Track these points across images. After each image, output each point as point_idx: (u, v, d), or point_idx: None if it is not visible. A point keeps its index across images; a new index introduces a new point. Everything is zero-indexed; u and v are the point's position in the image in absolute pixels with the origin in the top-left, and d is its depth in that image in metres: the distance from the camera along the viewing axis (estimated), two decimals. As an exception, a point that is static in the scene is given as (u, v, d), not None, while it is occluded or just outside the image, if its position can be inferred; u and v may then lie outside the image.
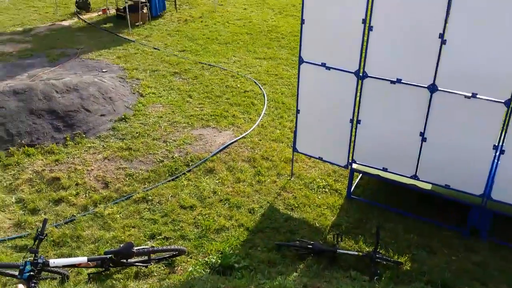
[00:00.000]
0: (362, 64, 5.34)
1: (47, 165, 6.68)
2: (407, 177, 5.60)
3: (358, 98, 5.51)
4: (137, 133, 7.49)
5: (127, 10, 12.20)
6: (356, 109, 5.59)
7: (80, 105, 8.02)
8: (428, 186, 5.61)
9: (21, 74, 9.51)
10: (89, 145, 7.17)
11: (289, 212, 5.87)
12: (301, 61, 5.79)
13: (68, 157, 6.85)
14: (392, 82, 5.21)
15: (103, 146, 7.16)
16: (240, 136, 7.48)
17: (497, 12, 4.44)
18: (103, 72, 9.74)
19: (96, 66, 10.03)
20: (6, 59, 10.29)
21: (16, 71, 9.68)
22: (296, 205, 5.99)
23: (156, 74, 9.74)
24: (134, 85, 9.20)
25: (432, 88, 5.01)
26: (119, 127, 7.65)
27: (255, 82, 9.46)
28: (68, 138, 7.27)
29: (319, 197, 6.16)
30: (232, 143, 7.30)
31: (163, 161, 6.80)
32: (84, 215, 5.70)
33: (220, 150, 7.08)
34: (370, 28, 5.11)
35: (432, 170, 5.40)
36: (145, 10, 12.96)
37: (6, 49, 10.84)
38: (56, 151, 6.99)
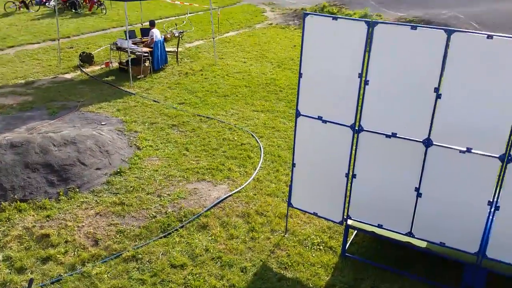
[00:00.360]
0: (358, 117, 5.30)
1: (38, 221, 6.54)
2: (402, 234, 5.42)
3: (354, 152, 5.43)
4: (131, 187, 7.38)
5: (129, 63, 12.42)
6: (352, 163, 5.49)
7: (77, 158, 7.96)
8: (424, 244, 5.42)
9: (20, 127, 9.54)
10: (82, 200, 7.04)
11: (282, 271, 5.64)
12: (298, 114, 5.76)
13: (60, 213, 6.71)
14: (387, 136, 5.15)
15: (96, 201, 7.03)
16: (235, 191, 7.35)
17: (491, 67, 4.43)
18: (102, 125, 9.77)
19: (95, 119, 10.08)
20: (6, 111, 10.37)
21: (15, 123, 9.73)
22: (290, 264, 5.76)
23: (154, 126, 9.75)
24: (131, 137, 9.19)
25: (427, 143, 4.93)
26: (114, 181, 7.55)
27: (252, 135, 9.44)
28: (61, 193, 7.16)
29: (313, 255, 5.95)
30: (227, 197, 7.16)
31: (156, 216, 6.65)
32: (71, 274, 5.49)
33: (214, 205, 6.93)
34: (366, 83, 5.11)
35: (427, 227, 5.23)
36: (147, 64, 13.20)
37: (7, 101, 10.95)
38: (48, 206, 6.86)
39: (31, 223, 6.46)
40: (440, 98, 4.70)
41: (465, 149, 4.74)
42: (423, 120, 4.87)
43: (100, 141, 8.62)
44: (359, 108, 5.26)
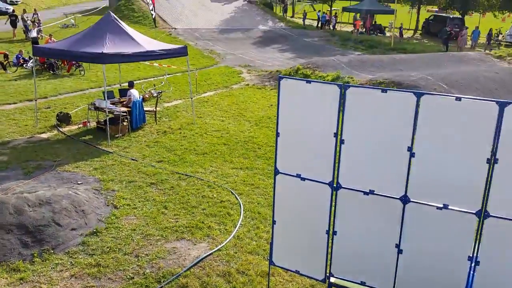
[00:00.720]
0: (335, 175, 5.43)
1: (11, 283, 6.29)
2: (387, 291, 5.42)
3: (333, 209, 5.51)
4: (108, 247, 7.22)
5: (107, 122, 12.49)
6: (332, 220, 5.56)
7: (52, 219, 7.79)
8: (409, 300, 5.41)
9: (-6, 187, 9.35)
10: (56, 261, 6.84)
11: (266, 333, 5.53)
12: (276, 172, 5.86)
13: (34, 275, 6.49)
14: (365, 193, 5.27)
15: (71, 262, 6.84)
16: (215, 249, 7.27)
17: (461, 127, 4.66)
18: (78, 184, 9.65)
19: (71, 178, 9.97)
20: (-20, 172, 10.17)
21: (-12, 184, 9.53)
22: (274, 324, 5.66)
23: (132, 185, 9.69)
24: (109, 196, 9.09)
25: (404, 200, 5.06)
26: (90, 241, 7.39)
27: (231, 192, 9.47)
28: (35, 255, 6.95)
29: (297, 314, 5.86)
30: (207, 256, 7.07)
31: (133, 277, 6.48)
32: None
33: (194, 264, 6.82)
34: (342, 141, 5.29)
35: (411, 282, 5.25)
36: (125, 123, 13.28)
37: (-19, 162, 10.77)
38: (22, 268, 6.63)
39: (4, 286, 6.21)
40: (413, 156, 4.89)
41: (441, 205, 4.88)
42: (399, 178, 5.02)
43: (76, 200, 8.50)
44: (336, 166, 5.41)
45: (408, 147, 4.90)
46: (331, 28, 39.87)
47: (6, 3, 36.39)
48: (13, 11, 33.33)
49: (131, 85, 14.14)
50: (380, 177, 5.17)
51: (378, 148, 5.10)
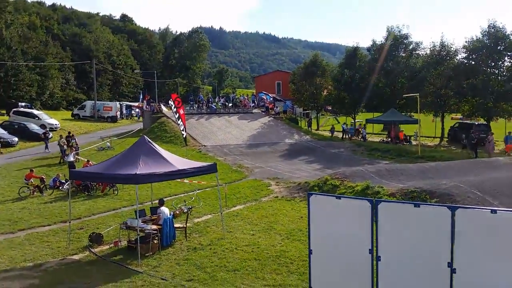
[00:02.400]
0: (373, 294, 5.18)
1: None
2: None
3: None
4: None
5: (138, 241, 12.51)
6: None
7: None
8: None
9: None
10: None
11: None
12: (310, 291, 5.64)
13: None
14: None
15: None
16: None
17: (503, 237, 4.49)
18: (107, 307, 9.42)
19: (101, 301, 9.76)
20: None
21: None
22: None
23: (162, 307, 9.38)
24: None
25: (451, 319, 4.72)
26: None
27: (265, 313, 9.03)
28: None
29: None
30: None
31: None
32: None
33: None
34: (378, 258, 5.13)
35: None
36: (155, 241, 13.29)
37: (13, 285, 10.78)
38: None
39: None
40: (455, 272, 4.67)
41: (491, 324, 4.53)
42: (442, 294, 4.76)
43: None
44: (375, 283, 5.18)
45: (448, 262, 4.70)
46: (362, 139, 40.63)
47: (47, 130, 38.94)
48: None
49: (161, 203, 14.41)
50: (422, 294, 4.90)
51: (416, 264, 4.91)
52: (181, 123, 31.37)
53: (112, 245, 13.87)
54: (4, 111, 49.94)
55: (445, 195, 15.28)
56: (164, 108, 46.61)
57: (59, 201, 19.87)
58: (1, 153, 31.78)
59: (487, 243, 4.55)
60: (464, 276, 4.66)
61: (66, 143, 29.58)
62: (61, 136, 31.02)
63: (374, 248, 5.14)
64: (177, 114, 31.60)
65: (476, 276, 4.60)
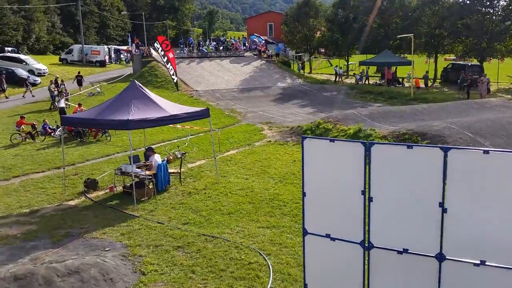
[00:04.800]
0: (366, 235, 5.30)
1: None
2: None
3: (367, 269, 5.34)
4: (137, 317, 7.09)
5: (133, 186, 12.63)
6: (367, 282, 5.37)
7: (80, 288, 7.75)
8: None
9: (24, 258, 9.40)
10: (85, 334, 6.72)
11: None
12: (305, 232, 5.78)
13: None
14: (399, 252, 5.11)
15: (100, 334, 6.70)
16: (246, 315, 7.06)
17: (491, 182, 4.54)
18: (106, 251, 9.64)
19: (99, 245, 9.98)
20: (10, 241, 10.29)
21: (19, 254, 9.60)
22: None
23: (159, 249, 9.63)
24: (136, 262, 9.03)
25: (440, 257, 4.88)
26: (119, 311, 7.27)
27: (259, 253, 9.30)
28: (63, 327, 6.85)
29: None
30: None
31: None
32: None
33: (225, 333, 6.61)
34: (370, 199, 5.21)
35: None
36: (150, 186, 13.43)
37: (11, 231, 10.91)
38: None
39: None
40: (446, 212, 4.76)
41: (479, 262, 4.68)
42: (432, 235, 4.88)
43: (104, 269, 8.48)
44: (367, 224, 5.29)
45: (440, 202, 4.79)
46: (365, 83, 40.27)
47: (34, 75, 38.23)
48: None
49: (149, 150, 14.48)
50: (413, 234, 5.03)
51: (408, 205, 5.00)
52: (171, 67, 30.85)
53: (107, 190, 14.00)
54: (-11, 57, 48.73)
55: (436, 137, 15.41)
56: (153, 52, 45.67)
57: (52, 148, 19.83)
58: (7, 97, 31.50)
59: (478, 183, 4.62)
60: (455, 215, 4.76)
61: (56, 88, 29.18)
62: (51, 82, 30.57)
63: (367, 190, 5.20)
64: (165, 58, 30.96)
65: (467, 215, 4.71)
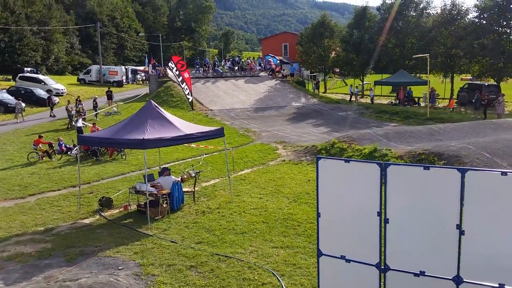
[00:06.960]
0: (382, 256, 5.19)
1: None
2: None
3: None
4: (148, 338, 7.00)
5: (147, 205, 12.65)
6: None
7: (92, 307, 7.72)
8: None
9: (38, 276, 9.43)
10: None
11: None
12: (319, 254, 5.69)
13: None
14: (416, 275, 4.99)
15: None
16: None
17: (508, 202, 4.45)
18: (119, 269, 9.62)
19: (112, 264, 9.96)
20: (25, 260, 10.34)
21: (33, 272, 9.64)
22: None
23: (172, 269, 9.57)
24: (149, 282, 8.98)
25: (457, 280, 4.76)
26: (130, 331, 7.20)
27: (273, 274, 9.17)
28: None
29: None
30: None
31: None
32: None
33: None
34: (386, 221, 5.12)
35: None
36: (165, 205, 13.44)
37: (25, 249, 10.98)
38: None
39: None
40: (463, 234, 4.66)
41: (497, 285, 4.55)
42: (449, 257, 4.76)
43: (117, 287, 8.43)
44: (383, 246, 5.19)
45: (457, 224, 4.68)
46: (370, 102, 40.26)
47: (53, 95, 38.93)
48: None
49: (165, 170, 14.58)
50: (430, 257, 4.92)
51: (425, 227, 4.90)
52: (186, 87, 31.13)
53: (122, 209, 14.05)
54: (10, 77, 49.87)
55: (453, 157, 15.19)
56: (170, 72, 46.29)
57: (68, 166, 20.05)
58: (23, 119, 31.92)
59: (496, 204, 4.51)
60: (472, 238, 4.65)
61: (73, 108, 29.65)
62: (68, 102, 31.06)
63: (383, 211, 5.11)
64: (180, 77, 31.26)
65: (485, 238, 4.59)
